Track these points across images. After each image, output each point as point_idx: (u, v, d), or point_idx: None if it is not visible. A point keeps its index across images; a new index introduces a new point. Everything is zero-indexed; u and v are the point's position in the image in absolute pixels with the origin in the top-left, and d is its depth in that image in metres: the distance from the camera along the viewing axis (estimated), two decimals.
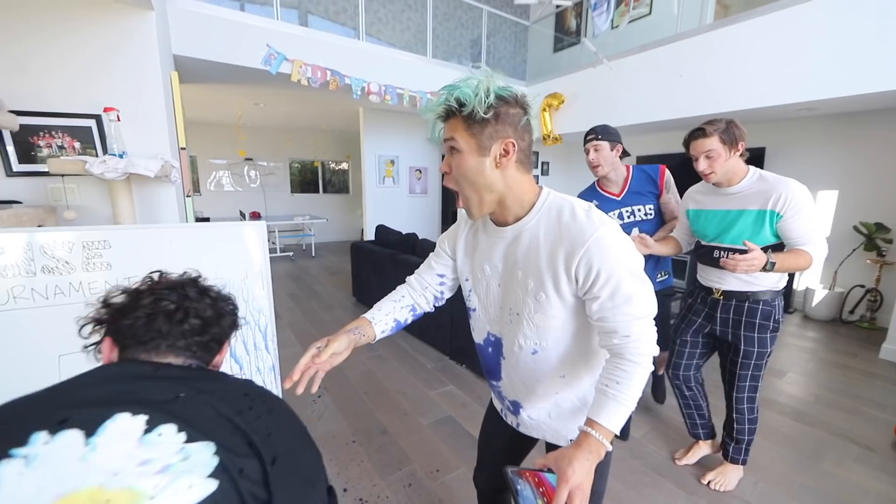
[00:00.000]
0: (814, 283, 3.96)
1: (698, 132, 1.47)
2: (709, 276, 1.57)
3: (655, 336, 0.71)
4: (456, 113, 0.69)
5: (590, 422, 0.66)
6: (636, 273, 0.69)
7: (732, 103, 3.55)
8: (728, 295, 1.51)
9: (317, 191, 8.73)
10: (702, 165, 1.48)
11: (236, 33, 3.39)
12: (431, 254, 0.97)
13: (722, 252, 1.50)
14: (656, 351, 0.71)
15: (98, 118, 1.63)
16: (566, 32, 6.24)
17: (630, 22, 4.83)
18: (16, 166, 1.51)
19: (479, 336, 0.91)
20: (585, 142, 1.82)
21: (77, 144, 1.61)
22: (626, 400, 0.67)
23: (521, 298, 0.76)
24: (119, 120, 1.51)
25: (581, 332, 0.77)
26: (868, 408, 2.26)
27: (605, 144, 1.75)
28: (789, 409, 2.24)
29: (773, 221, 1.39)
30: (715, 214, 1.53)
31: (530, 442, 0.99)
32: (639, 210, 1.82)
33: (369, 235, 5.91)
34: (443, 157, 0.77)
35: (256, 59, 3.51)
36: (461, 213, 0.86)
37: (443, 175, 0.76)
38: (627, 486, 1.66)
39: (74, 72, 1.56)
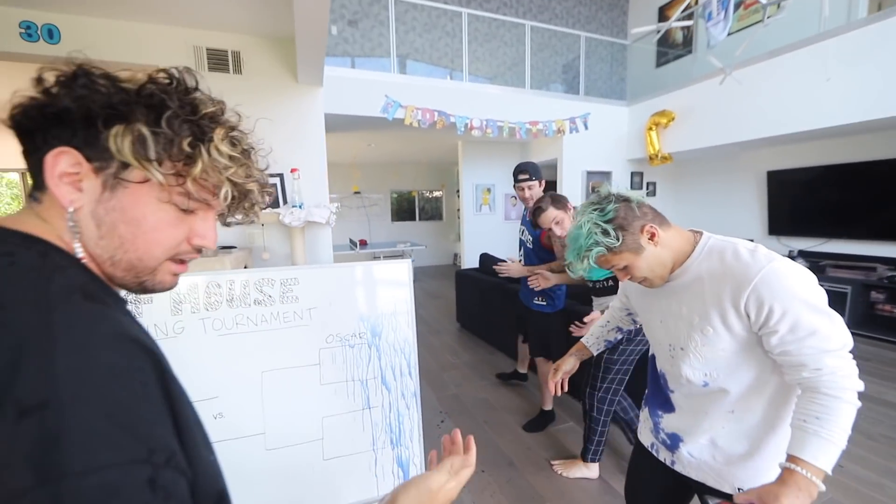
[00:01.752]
0: None
1: None
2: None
3: (856, 370, 0.70)
4: (602, 253, 0.80)
5: (792, 458, 0.66)
6: (817, 307, 0.69)
7: (889, 108, 2.99)
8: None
9: (413, 218, 9.34)
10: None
11: (360, 89, 3.91)
12: (617, 295, 1.16)
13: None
14: (860, 385, 0.69)
15: (281, 176, 2.03)
16: (671, 45, 5.90)
17: (749, 27, 4.40)
18: (227, 217, 1.96)
19: (654, 363, 0.97)
20: (518, 181, 2.14)
21: (268, 199, 2.03)
22: (831, 436, 0.65)
23: (686, 333, 0.81)
24: (300, 178, 1.87)
25: (755, 366, 0.77)
26: None
27: (535, 183, 2.14)
28: None
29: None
30: None
31: (687, 492, 0.95)
32: (529, 235, 2.22)
33: (466, 261, 6.10)
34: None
35: (376, 109, 3.99)
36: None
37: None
38: None
39: (266, 142, 1.99)
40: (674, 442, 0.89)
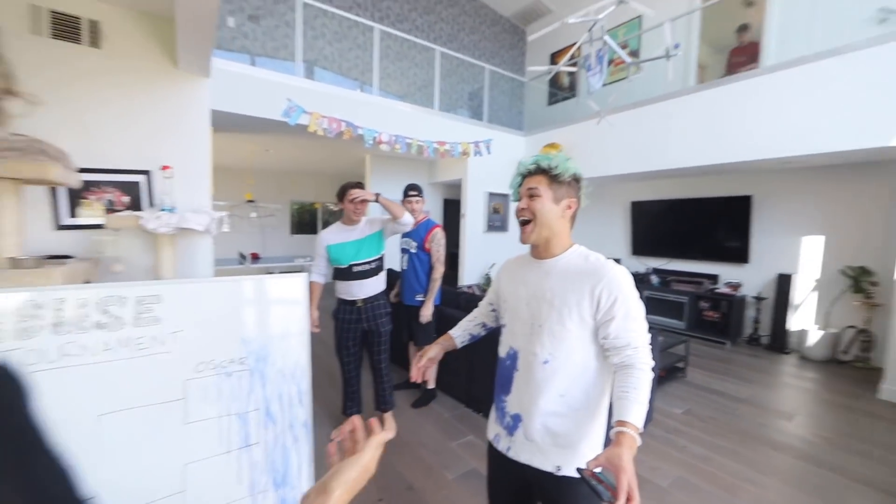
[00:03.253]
0: (808, 324, 4.09)
1: None
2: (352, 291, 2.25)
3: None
4: (544, 172, 0.98)
5: (622, 423, 0.80)
6: (638, 301, 0.93)
7: (718, 156, 3.84)
8: (365, 300, 2.24)
9: (314, 231, 8.81)
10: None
11: (254, 87, 3.58)
12: (488, 289, 1.27)
13: None
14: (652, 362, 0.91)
15: (148, 174, 1.70)
16: (560, 88, 6.72)
17: (618, 81, 5.26)
18: (64, 219, 1.55)
19: (503, 350, 1.09)
20: (408, 196, 2.65)
21: (126, 199, 1.67)
22: (644, 400, 0.84)
23: (546, 312, 0.96)
24: (172, 177, 1.59)
25: (586, 352, 0.95)
26: (880, 450, 2.30)
27: (421, 199, 2.68)
28: (806, 454, 2.26)
29: None
30: None
31: (531, 496, 1.07)
32: (413, 243, 2.72)
33: None
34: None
35: (277, 112, 3.70)
36: (508, 262, 1.17)
37: (517, 212, 1.02)
38: None
39: (131, 132, 1.65)
40: (515, 423, 1.02)
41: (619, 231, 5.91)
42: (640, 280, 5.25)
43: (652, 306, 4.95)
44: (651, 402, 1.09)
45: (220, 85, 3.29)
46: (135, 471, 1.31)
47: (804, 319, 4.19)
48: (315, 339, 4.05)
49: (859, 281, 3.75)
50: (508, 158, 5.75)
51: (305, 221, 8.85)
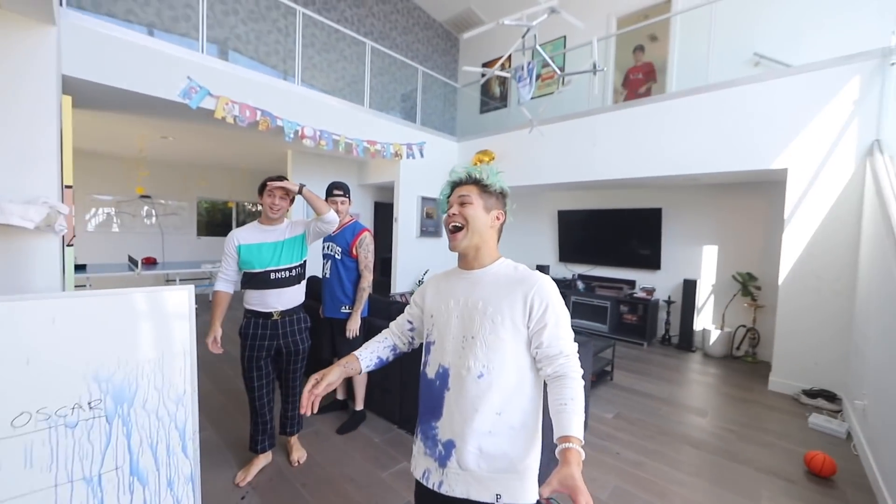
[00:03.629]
0: (709, 325, 4.56)
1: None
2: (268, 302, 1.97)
3: None
4: (475, 182, 1.02)
5: (566, 438, 0.80)
6: (565, 309, 0.94)
7: (633, 170, 4.12)
8: (283, 313, 1.98)
9: (227, 233, 7.85)
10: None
11: (146, 60, 2.99)
12: (406, 307, 1.17)
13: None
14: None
15: None
16: (491, 97, 6.83)
17: (546, 95, 5.47)
18: None
19: (431, 370, 1.01)
20: (333, 195, 2.36)
21: None
22: (581, 410, 0.85)
23: (479, 322, 0.94)
24: None
25: (520, 362, 0.93)
26: (776, 439, 2.54)
27: (347, 200, 2.39)
28: (720, 448, 2.41)
29: None
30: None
31: None
32: (338, 248, 2.41)
33: None
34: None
35: (172, 91, 3.12)
36: (422, 287, 1.13)
37: (447, 218, 1.01)
38: None
39: None
40: (447, 451, 0.94)
41: (548, 239, 6.13)
42: (567, 286, 5.47)
43: (579, 311, 5.16)
44: (586, 408, 1.09)
45: (82, 47, 2.67)
46: None
47: (706, 320, 4.66)
48: (220, 358, 3.48)
49: (747, 285, 4.26)
50: (442, 163, 5.65)
51: (217, 222, 7.85)
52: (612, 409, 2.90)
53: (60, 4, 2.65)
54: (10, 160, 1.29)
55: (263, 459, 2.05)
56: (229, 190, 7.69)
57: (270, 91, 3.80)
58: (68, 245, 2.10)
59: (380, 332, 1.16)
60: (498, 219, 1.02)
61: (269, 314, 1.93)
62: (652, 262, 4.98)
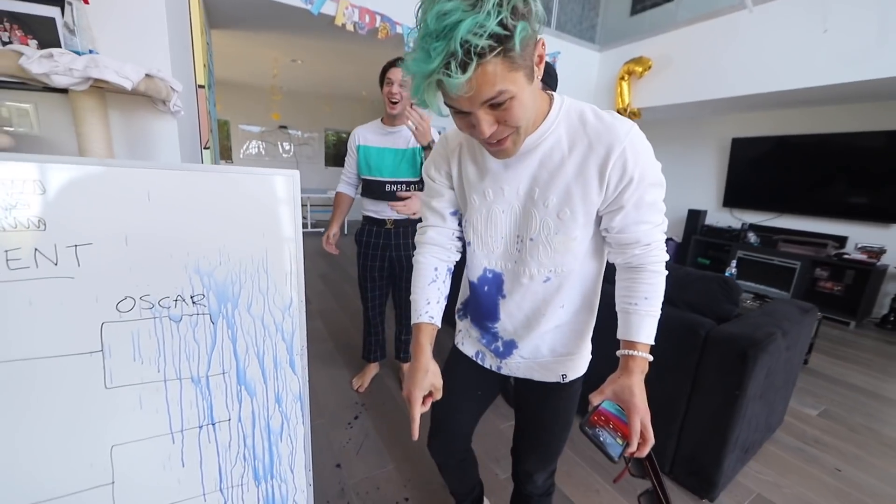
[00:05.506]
0: None
1: None
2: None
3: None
4: (503, 47, 0.48)
5: (630, 344, 0.68)
6: (659, 178, 0.66)
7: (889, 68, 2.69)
8: (397, 223, 1.72)
9: None
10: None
11: None
12: (427, 199, 0.84)
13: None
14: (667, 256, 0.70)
15: (65, 4, 1.09)
16: None
17: None
18: None
19: (474, 273, 0.82)
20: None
21: (34, 43, 1.09)
22: (656, 312, 0.70)
23: (539, 220, 0.70)
24: (87, 2, 0.97)
25: (593, 256, 0.75)
26: None
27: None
28: None
29: None
30: None
31: (494, 392, 0.98)
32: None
33: None
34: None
35: None
36: (443, 139, 0.81)
37: (482, 138, 0.59)
38: None
39: None
40: (508, 349, 0.85)
41: (708, 176, 4.83)
42: (733, 237, 4.29)
43: (747, 270, 4.03)
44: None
45: None
46: (40, 451, 0.85)
47: None
48: (346, 277, 3.61)
49: None
50: (578, 78, 4.70)
51: (342, 153, 8.27)
52: (816, 405, 2.10)
53: None
54: (120, 26, 1.14)
55: (374, 369, 2.05)
56: (351, 120, 7.90)
57: None
58: (205, 148, 2.11)
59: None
60: (541, 57, 0.56)
61: (383, 221, 1.75)
62: (880, 212, 3.48)
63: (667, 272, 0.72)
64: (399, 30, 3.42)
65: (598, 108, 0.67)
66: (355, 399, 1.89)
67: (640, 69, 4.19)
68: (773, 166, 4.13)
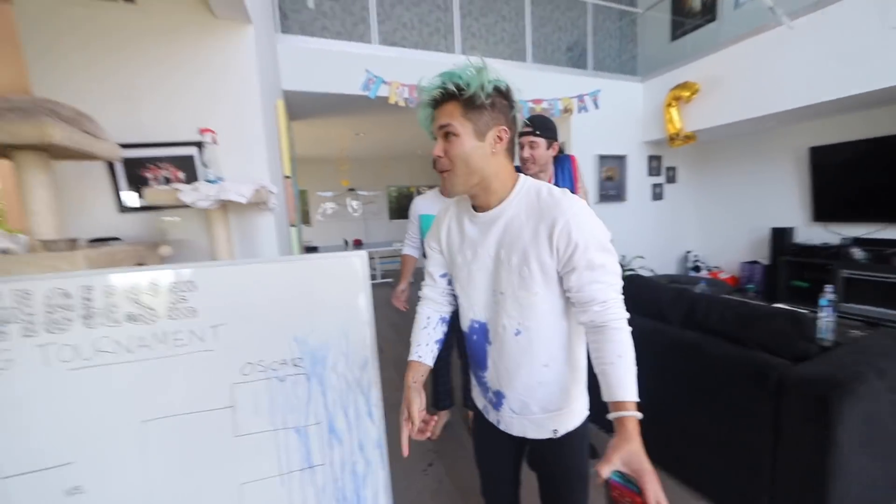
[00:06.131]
0: None
1: None
2: None
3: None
4: (454, 97, 0.74)
5: (619, 405, 0.70)
6: (606, 245, 0.75)
7: None
8: None
9: None
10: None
11: (337, 62, 3.41)
12: (426, 263, 1.01)
13: None
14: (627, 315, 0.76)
15: (199, 145, 1.51)
16: (688, 14, 5.31)
17: None
18: (126, 201, 1.45)
19: (464, 324, 0.94)
20: (521, 135, 1.60)
21: (182, 175, 1.51)
22: (631, 366, 0.73)
23: (506, 277, 0.80)
24: (216, 143, 1.35)
25: (562, 315, 0.81)
26: None
27: (541, 142, 1.57)
28: None
29: None
30: None
31: (517, 453, 1.01)
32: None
33: None
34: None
35: (356, 86, 3.47)
36: (437, 219, 0.97)
37: (434, 160, 0.80)
38: None
39: (174, 98, 1.48)
40: (498, 399, 0.91)
41: (788, 190, 4.42)
42: (834, 254, 3.83)
43: (855, 291, 3.54)
44: None
45: (295, 63, 3.17)
46: (187, 487, 1.10)
47: None
48: (407, 318, 3.81)
49: None
50: (622, 112, 4.73)
51: (404, 206, 8.93)
52: None
53: (277, 31, 3.24)
54: (235, 148, 1.54)
55: (444, 416, 2.16)
56: (409, 176, 8.57)
57: (431, 66, 3.81)
58: (292, 226, 2.53)
59: None
60: (500, 139, 0.77)
61: None
62: None
63: (630, 328, 0.75)
64: None
65: (554, 188, 0.80)
66: (428, 446, 2.00)
67: (688, 93, 4.13)
68: (868, 172, 3.70)
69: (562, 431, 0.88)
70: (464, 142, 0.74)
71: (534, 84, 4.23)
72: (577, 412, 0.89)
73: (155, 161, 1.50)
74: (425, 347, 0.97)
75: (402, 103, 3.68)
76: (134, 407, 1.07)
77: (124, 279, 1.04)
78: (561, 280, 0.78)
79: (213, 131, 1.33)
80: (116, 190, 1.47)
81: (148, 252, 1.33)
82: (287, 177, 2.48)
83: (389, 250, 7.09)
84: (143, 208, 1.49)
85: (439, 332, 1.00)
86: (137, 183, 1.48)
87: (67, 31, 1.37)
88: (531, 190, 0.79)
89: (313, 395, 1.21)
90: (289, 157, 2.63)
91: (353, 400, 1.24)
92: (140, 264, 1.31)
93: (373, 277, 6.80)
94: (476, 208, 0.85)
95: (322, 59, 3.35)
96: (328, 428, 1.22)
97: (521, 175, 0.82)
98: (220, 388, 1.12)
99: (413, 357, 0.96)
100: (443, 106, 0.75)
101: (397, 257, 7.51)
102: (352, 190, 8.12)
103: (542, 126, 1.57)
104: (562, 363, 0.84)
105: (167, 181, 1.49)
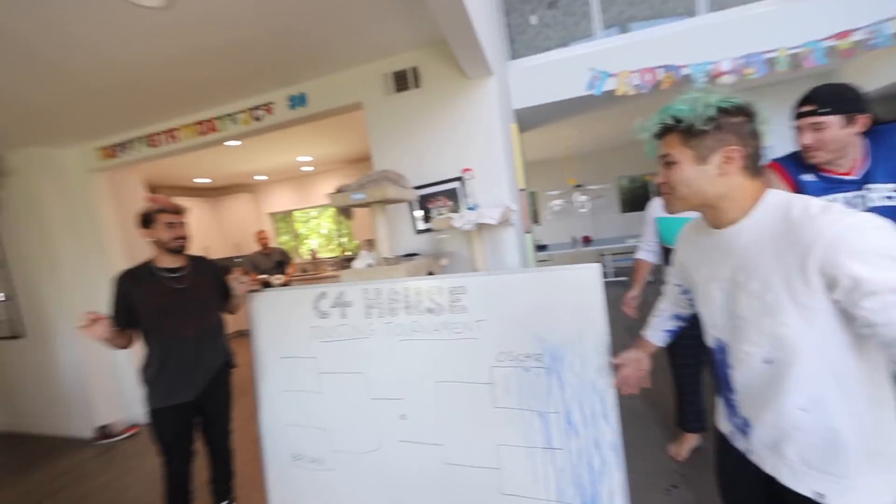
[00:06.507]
0: None
1: None
2: None
3: None
4: (672, 129, 0.78)
5: None
6: (878, 251, 0.59)
7: None
8: None
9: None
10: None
11: (559, 70, 3.51)
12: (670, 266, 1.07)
13: None
14: None
15: (460, 179, 1.98)
16: None
17: None
18: (419, 226, 2.09)
19: (709, 339, 0.91)
20: (798, 116, 1.22)
21: (450, 203, 2.03)
22: None
23: (746, 302, 0.74)
24: (473, 177, 1.75)
25: (839, 357, 0.67)
26: None
27: (831, 121, 1.15)
28: None
29: None
30: None
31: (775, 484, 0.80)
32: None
33: None
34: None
35: (580, 87, 3.49)
36: (679, 240, 1.01)
37: (658, 186, 0.83)
38: None
39: (444, 147, 2.00)
40: (746, 426, 0.83)
41: None
42: None
43: None
44: None
45: (522, 83, 3.48)
46: (462, 434, 1.51)
47: None
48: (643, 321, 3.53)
49: None
50: None
51: (637, 196, 8.11)
52: None
53: (506, 58, 3.67)
54: (485, 178, 1.93)
55: (693, 439, 1.96)
56: (643, 164, 7.70)
57: (666, 41, 3.38)
58: (527, 233, 2.85)
59: None
60: (730, 159, 0.72)
61: None
62: None
63: None
64: (685, 71, 3.29)
65: (814, 201, 0.67)
66: (673, 466, 1.86)
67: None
68: None
69: (830, 500, 0.71)
70: (683, 168, 0.77)
71: (827, 16, 3.03)
72: (865, 489, 0.69)
73: (433, 196, 2.09)
74: (653, 330, 1.09)
75: (631, 92, 3.42)
76: (432, 371, 1.55)
77: (424, 283, 1.53)
78: (841, 313, 0.65)
79: (470, 169, 1.74)
80: (412, 219, 2.15)
81: (433, 263, 1.88)
82: (522, 189, 2.81)
83: (622, 247, 6.63)
84: (426, 230, 2.11)
85: (670, 323, 1.08)
86: (425, 212, 2.11)
87: (387, 117, 2.12)
88: (779, 207, 0.71)
89: (552, 387, 1.40)
90: (522, 171, 2.96)
91: (589, 399, 1.36)
92: (430, 271, 1.86)
93: (605, 275, 6.54)
94: (709, 225, 0.83)
95: (546, 70, 3.54)
96: (566, 419, 1.39)
97: (771, 190, 0.75)
98: (482, 368, 1.47)
99: (644, 334, 1.12)
100: (664, 137, 0.81)
101: (631, 253, 6.93)
102: (578, 186, 8.04)
103: (831, 99, 1.17)
104: (831, 415, 0.69)
105: (442, 209, 2.04)
